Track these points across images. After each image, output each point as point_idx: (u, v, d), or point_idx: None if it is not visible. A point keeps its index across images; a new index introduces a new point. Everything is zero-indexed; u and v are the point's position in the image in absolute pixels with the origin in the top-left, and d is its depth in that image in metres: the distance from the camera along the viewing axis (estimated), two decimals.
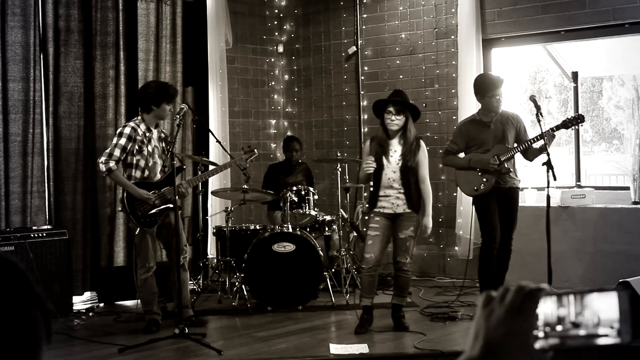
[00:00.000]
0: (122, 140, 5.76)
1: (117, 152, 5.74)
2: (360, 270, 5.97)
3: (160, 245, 6.27)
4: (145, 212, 5.80)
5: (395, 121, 5.69)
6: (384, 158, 5.73)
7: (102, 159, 5.74)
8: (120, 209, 5.93)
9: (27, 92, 6.80)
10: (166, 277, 6.42)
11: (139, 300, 6.08)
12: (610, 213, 6.71)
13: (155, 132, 5.96)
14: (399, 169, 5.70)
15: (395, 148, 5.76)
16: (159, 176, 5.93)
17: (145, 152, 5.85)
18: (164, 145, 5.93)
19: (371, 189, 5.77)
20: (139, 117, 5.92)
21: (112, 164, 5.71)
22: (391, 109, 5.70)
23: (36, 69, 6.87)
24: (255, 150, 6.40)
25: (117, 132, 5.95)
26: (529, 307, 1.04)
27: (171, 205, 5.82)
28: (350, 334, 5.67)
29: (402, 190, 5.70)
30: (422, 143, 5.79)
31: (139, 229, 5.85)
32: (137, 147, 5.80)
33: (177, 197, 5.59)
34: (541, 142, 5.86)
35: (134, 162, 5.82)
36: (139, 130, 5.83)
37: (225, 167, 6.46)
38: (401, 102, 5.73)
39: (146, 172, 5.87)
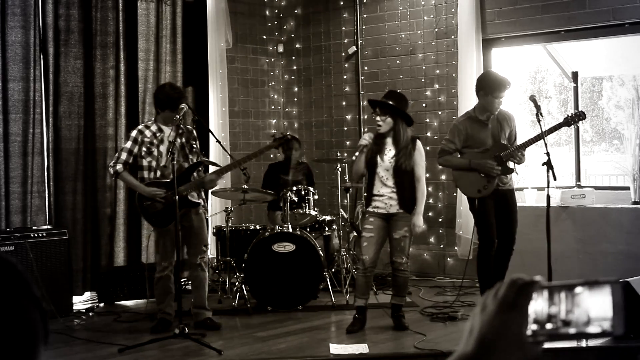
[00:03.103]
0: (128, 144, 5.91)
1: (123, 156, 5.87)
2: (356, 271, 5.98)
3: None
4: (156, 210, 5.83)
5: (379, 122, 5.68)
6: (377, 156, 5.71)
7: (111, 162, 5.94)
8: (138, 211, 6.01)
9: (27, 92, 6.80)
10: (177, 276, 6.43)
11: (150, 299, 6.16)
12: (610, 213, 6.70)
13: (169, 130, 5.90)
14: (392, 168, 5.68)
15: (390, 147, 5.73)
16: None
17: (156, 153, 5.88)
18: (183, 140, 5.90)
19: (361, 185, 5.78)
20: (153, 117, 6.08)
21: (118, 167, 5.83)
22: (377, 109, 5.71)
23: (36, 69, 6.87)
24: (285, 134, 6.54)
25: (128, 135, 6.20)
26: (522, 301, 1.02)
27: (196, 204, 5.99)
28: (351, 334, 5.68)
29: (395, 190, 5.69)
30: (419, 143, 5.76)
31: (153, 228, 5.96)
32: (145, 149, 5.86)
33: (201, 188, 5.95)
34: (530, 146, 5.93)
35: (145, 164, 5.89)
36: (147, 132, 5.89)
37: (229, 168, 6.27)
38: (383, 103, 5.68)
39: (158, 173, 5.90)
